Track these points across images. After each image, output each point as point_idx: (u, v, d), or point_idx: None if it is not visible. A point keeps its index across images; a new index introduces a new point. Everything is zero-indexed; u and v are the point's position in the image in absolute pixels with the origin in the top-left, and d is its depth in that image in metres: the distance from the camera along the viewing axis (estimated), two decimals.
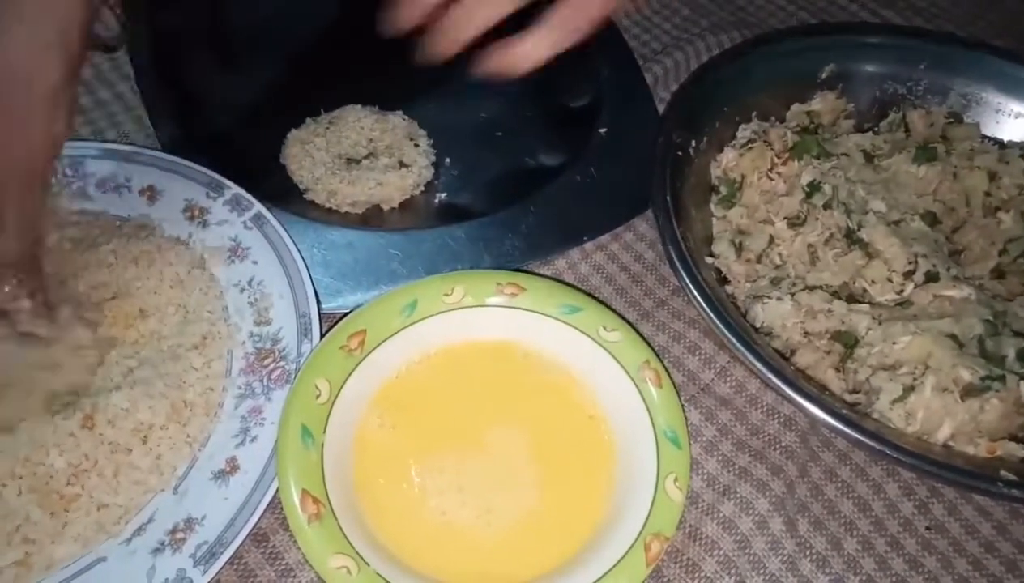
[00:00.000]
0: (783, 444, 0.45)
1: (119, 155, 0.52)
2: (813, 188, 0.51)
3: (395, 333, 0.44)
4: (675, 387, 0.43)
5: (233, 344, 0.45)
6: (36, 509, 0.38)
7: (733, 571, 0.41)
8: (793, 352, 0.46)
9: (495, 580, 0.38)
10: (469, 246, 0.51)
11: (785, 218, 0.51)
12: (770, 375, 0.41)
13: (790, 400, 0.41)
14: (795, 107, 0.58)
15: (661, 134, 0.52)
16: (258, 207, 0.50)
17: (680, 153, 0.52)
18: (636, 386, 0.42)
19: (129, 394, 0.41)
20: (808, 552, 0.42)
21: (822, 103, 0.58)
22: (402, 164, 0.54)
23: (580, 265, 0.53)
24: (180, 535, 0.38)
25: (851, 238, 0.49)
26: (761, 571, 0.41)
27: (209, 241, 0.49)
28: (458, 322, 0.45)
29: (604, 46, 0.64)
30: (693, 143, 0.53)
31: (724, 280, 0.50)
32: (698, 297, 0.44)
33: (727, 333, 0.43)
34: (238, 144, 0.56)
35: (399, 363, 0.44)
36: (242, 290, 0.47)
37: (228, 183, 0.51)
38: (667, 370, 0.43)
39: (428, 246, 0.51)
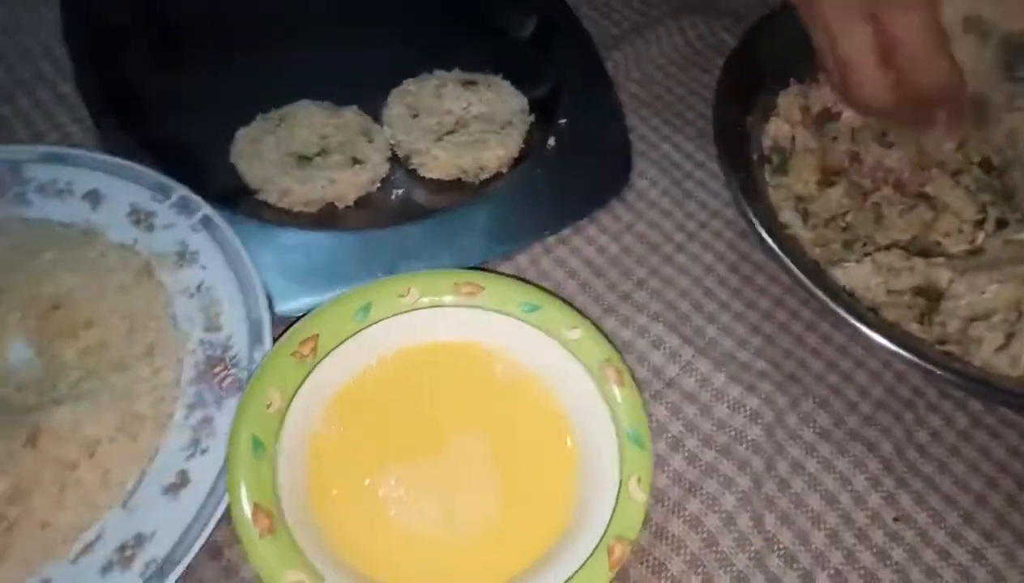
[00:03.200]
0: (749, 438, 0.45)
1: (60, 158, 0.50)
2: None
3: (349, 337, 0.42)
4: (637, 385, 0.42)
5: (183, 352, 0.44)
6: None
7: (700, 570, 0.40)
8: (877, 311, 0.47)
9: None
10: (427, 244, 0.50)
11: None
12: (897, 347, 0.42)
13: (912, 364, 0.42)
14: None
15: (717, 115, 0.52)
16: (206, 209, 0.48)
17: (740, 128, 0.52)
18: (598, 385, 0.41)
19: (74, 409, 0.39)
20: (776, 547, 0.42)
21: None
22: (356, 160, 0.53)
23: (542, 260, 0.52)
24: (129, 553, 0.37)
25: (917, 194, 0.50)
26: (728, 569, 0.41)
27: (156, 246, 0.47)
28: (415, 323, 0.44)
29: (561, 33, 0.63)
30: (748, 119, 0.53)
31: (795, 242, 0.50)
32: (800, 275, 0.44)
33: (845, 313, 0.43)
34: (185, 144, 0.54)
35: (354, 368, 0.42)
36: (191, 296, 0.45)
37: (175, 185, 0.49)
38: (629, 368, 0.43)
39: (385, 245, 0.50)
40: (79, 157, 0.50)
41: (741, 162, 0.49)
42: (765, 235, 0.45)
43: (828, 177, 0.53)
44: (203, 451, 0.40)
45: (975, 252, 0.48)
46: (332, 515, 0.38)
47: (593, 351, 0.42)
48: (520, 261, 0.52)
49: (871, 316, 0.44)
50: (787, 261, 0.44)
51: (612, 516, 0.37)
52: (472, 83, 0.58)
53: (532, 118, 0.57)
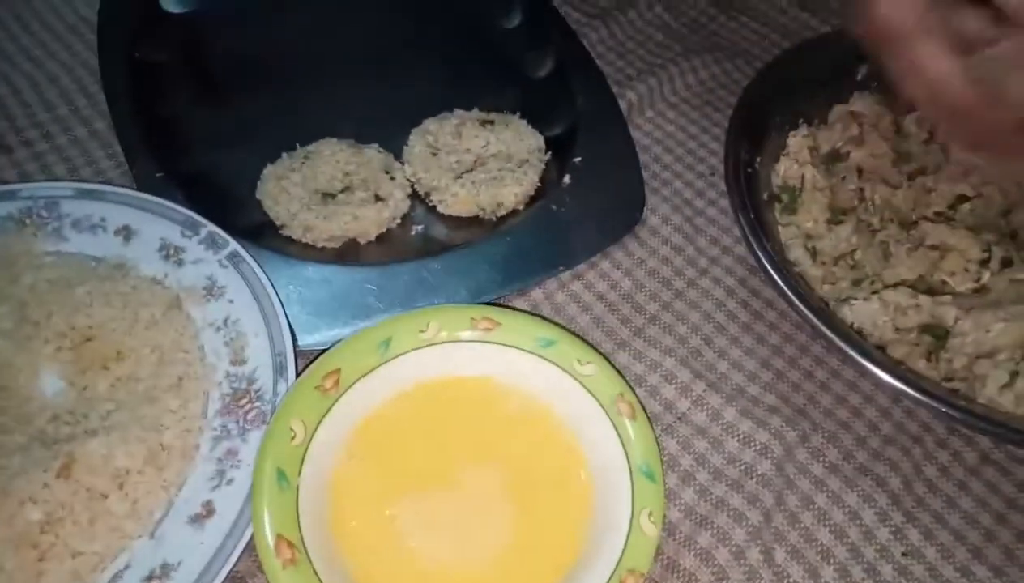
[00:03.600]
0: (759, 472, 0.46)
1: (94, 195, 0.52)
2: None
3: (370, 371, 0.44)
4: (649, 420, 0.43)
5: (209, 385, 0.45)
6: (10, 559, 0.38)
7: None
8: (885, 348, 0.48)
9: None
10: (446, 279, 0.52)
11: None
12: (899, 383, 0.42)
13: (918, 402, 0.42)
14: (837, 108, 0.59)
15: (728, 155, 0.52)
16: (233, 245, 0.50)
17: (749, 170, 0.53)
18: (611, 419, 0.43)
19: (106, 440, 0.41)
20: (785, 581, 0.42)
21: (861, 102, 0.59)
22: (378, 197, 0.55)
23: (557, 295, 0.53)
24: (156, 581, 0.38)
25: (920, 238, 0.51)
26: None
27: (185, 280, 0.49)
28: (433, 358, 0.45)
29: (577, 73, 0.64)
30: (758, 160, 0.54)
31: (803, 281, 0.51)
32: (807, 312, 0.45)
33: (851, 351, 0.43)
34: (214, 180, 0.56)
35: (375, 401, 0.44)
36: (218, 329, 0.47)
37: (203, 221, 0.51)
38: (641, 402, 0.44)
39: (404, 280, 0.51)
40: (112, 194, 0.52)
41: (751, 202, 0.50)
42: (774, 273, 0.46)
43: (837, 215, 0.54)
44: (228, 482, 0.41)
45: (980, 291, 0.49)
46: (352, 546, 0.39)
47: (606, 385, 0.44)
48: (535, 296, 0.53)
49: (878, 354, 0.45)
50: (795, 299, 0.45)
51: (624, 549, 0.38)
52: (490, 122, 0.59)
53: (548, 156, 0.59)
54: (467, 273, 0.52)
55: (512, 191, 0.55)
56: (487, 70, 0.66)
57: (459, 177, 0.56)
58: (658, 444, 0.43)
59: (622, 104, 0.64)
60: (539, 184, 0.57)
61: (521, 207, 0.57)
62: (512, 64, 0.67)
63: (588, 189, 0.57)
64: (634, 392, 0.44)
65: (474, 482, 0.43)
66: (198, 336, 0.47)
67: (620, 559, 0.38)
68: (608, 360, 0.45)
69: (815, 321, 0.44)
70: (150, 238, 0.50)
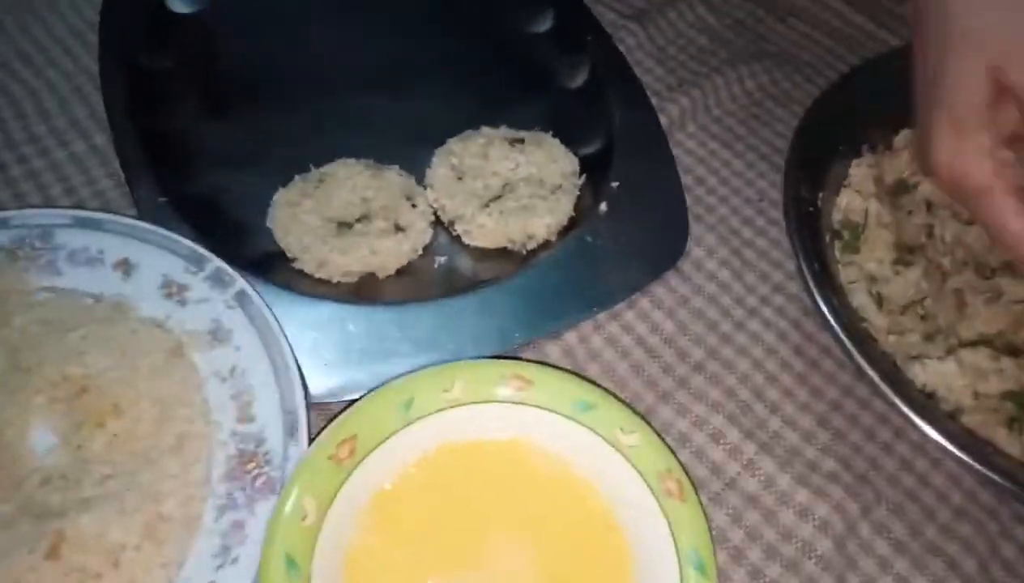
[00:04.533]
0: (818, 552, 0.41)
1: (92, 224, 0.48)
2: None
3: (389, 436, 0.40)
4: (700, 501, 0.39)
5: (213, 444, 0.41)
6: None
7: None
8: (960, 413, 0.43)
9: None
10: (470, 319, 0.47)
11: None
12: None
13: (994, 485, 0.39)
14: (904, 132, 0.54)
15: (788, 192, 0.48)
16: (241, 284, 0.46)
17: (811, 208, 0.49)
18: (657, 499, 0.38)
19: (100, 513, 0.37)
20: None
21: None
22: (398, 227, 0.50)
23: (592, 338, 0.49)
24: None
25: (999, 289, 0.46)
26: None
27: (188, 323, 0.45)
28: (459, 420, 0.41)
29: (616, 83, 0.59)
30: (820, 195, 0.50)
31: (867, 334, 0.46)
32: (875, 377, 0.41)
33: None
34: (222, 204, 0.52)
35: (394, 469, 0.40)
36: (223, 380, 0.43)
37: (209, 255, 0.47)
38: (691, 479, 0.39)
39: (427, 320, 0.47)
40: (111, 223, 0.48)
41: (815, 247, 0.45)
42: (843, 336, 0.41)
43: (903, 255, 0.49)
44: (233, 561, 0.37)
45: None
46: None
47: (651, 459, 0.39)
48: (568, 339, 0.49)
49: (950, 424, 0.40)
50: (865, 365, 0.40)
51: None
52: (520, 141, 0.55)
53: (583, 180, 0.54)
54: (495, 314, 0.48)
55: (544, 222, 0.51)
56: (516, 81, 0.61)
57: (486, 205, 0.51)
58: (709, 524, 0.38)
59: (662, 119, 0.59)
60: (572, 213, 0.53)
61: (553, 239, 0.52)
62: (543, 73, 0.62)
63: (626, 218, 0.52)
64: (683, 467, 0.39)
65: (502, 560, 0.39)
66: (202, 388, 0.43)
67: None
68: (653, 429, 0.41)
69: (884, 388, 0.40)
70: (151, 274, 0.46)
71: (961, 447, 0.39)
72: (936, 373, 0.43)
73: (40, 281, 0.46)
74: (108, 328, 0.44)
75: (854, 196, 0.51)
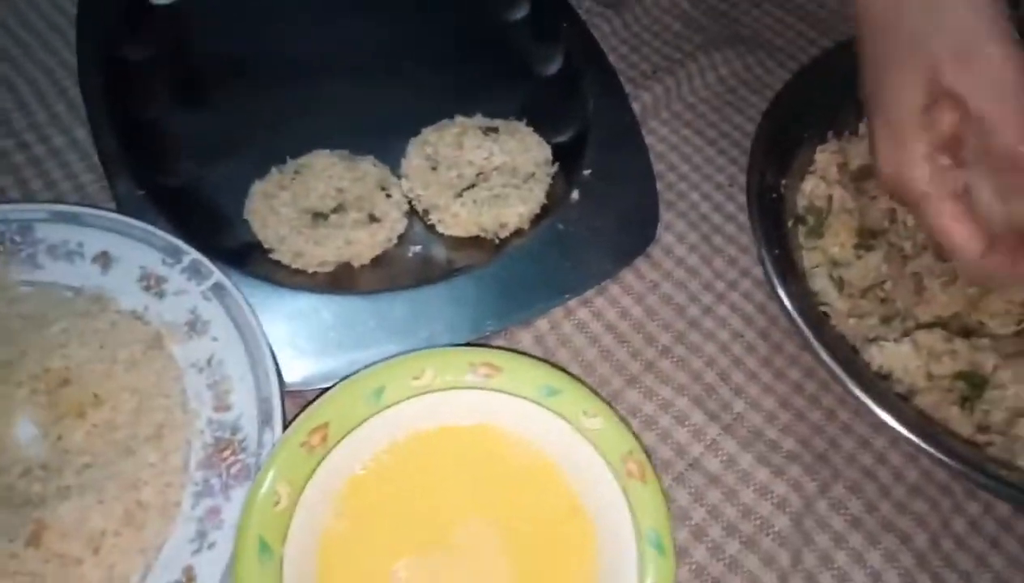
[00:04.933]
0: (776, 529, 0.43)
1: (70, 218, 0.48)
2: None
3: (360, 423, 0.41)
4: (659, 482, 0.40)
5: (191, 433, 0.42)
6: None
7: None
8: (914, 394, 0.44)
9: None
10: (445, 307, 0.49)
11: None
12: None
13: (945, 466, 0.40)
14: None
15: (752, 178, 0.49)
16: (217, 276, 0.47)
17: (775, 194, 0.49)
18: (618, 480, 0.40)
19: (81, 501, 0.38)
20: None
21: None
22: (372, 218, 0.51)
23: (563, 324, 0.50)
24: None
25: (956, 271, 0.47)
26: None
27: (166, 314, 0.46)
28: (429, 407, 0.42)
29: (590, 70, 0.60)
30: (784, 182, 0.50)
31: (826, 316, 0.47)
32: (832, 364, 0.42)
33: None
34: (199, 196, 0.53)
35: (366, 455, 0.41)
36: (200, 371, 0.44)
37: (186, 248, 0.48)
38: (651, 459, 0.41)
39: (401, 309, 0.48)
40: (90, 216, 0.49)
41: (777, 234, 0.46)
42: (799, 321, 0.43)
43: (866, 240, 0.50)
44: (210, 546, 0.39)
45: (1022, 334, 0.45)
46: None
47: (614, 442, 0.41)
48: (540, 325, 0.50)
49: (903, 407, 0.42)
50: (821, 352, 0.41)
51: None
52: (494, 130, 0.55)
53: (555, 169, 0.55)
54: (468, 302, 0.49)
55: (516, 211, 0.52)
56: (491, 68, 0.62)
57: (460, 195, 0.52)
58: (668, 507, 0.40)
59: (636, 106, 0.60)
60: (545, 201, 0.54)
61: (526, 226, 0.53)
62: (518, 61, 0.62)
63: (598, 205, 0.53)
64: (644, 449, 0.41)
65: (471, 542, 0.40)
66: (180, 378, 0.44)
67: None
68: (617, 413, 0.42)
69: (838, 372, 0.41)
70: (130, 266, 0.47)
71: (912, 429, 0.40)
72: (892, 355, 0.44)
73: (20, 275, 0.47)
74: (88, 321, 0.45)
75: (818, 182, 0.52)
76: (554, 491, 0.41)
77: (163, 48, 0.60)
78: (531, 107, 0.58)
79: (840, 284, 0.48)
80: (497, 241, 0.52)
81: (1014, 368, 0.43)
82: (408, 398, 0.42)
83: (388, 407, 0.41)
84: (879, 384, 0.43)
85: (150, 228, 0.48)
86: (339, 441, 0.40)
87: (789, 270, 0.45)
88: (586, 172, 0.54)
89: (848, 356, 0.43)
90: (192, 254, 0.47)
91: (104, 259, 0.47)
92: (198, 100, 0.59)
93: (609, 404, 0.42)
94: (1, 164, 0.54)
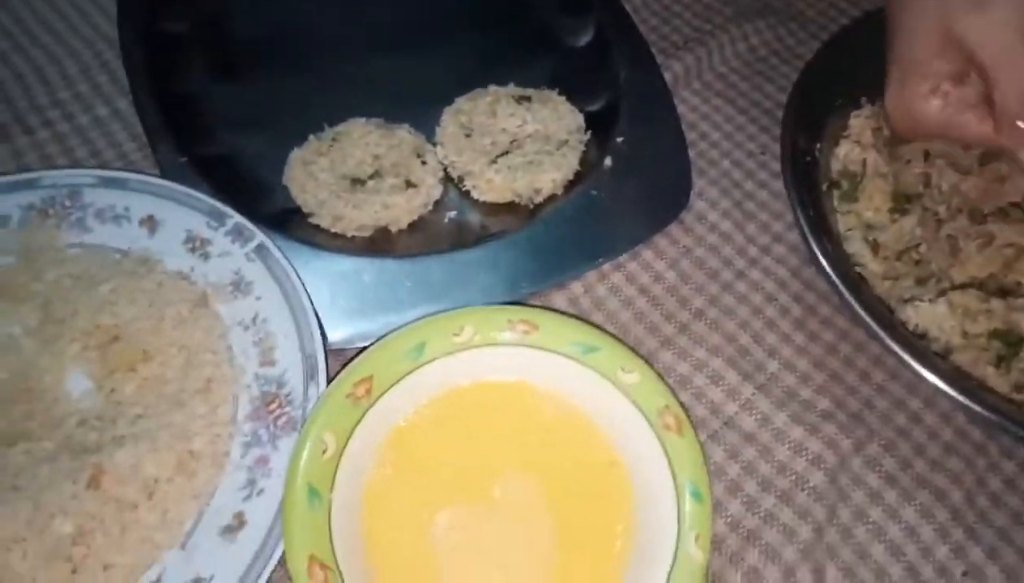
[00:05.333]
0: (811, 485, 0.44)
1: (117, 183, 0.50)
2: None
3: (403, 377, 0.42)
4: (696, 434, 0.41)
5: (238, 388, 0.44)
6: (42, 573, 0.37)
7: None
8: (950, 352, 0.45)
9: None
10: (480, 271, 0.49)
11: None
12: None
13: (984, 420, 0.41)
14: None
15: (785, 144, 0.49)
16: (260, 237, 0.48)
17: (808, 158, 0.50)
18: (656, 433, 0.40)
19: (135, 449, 0.40)
20: None
21: None
22: (409, 183, 0.52)
23: (597, 287, 0.51)
24: None
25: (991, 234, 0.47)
26: None
27: (211, 275, 0.47)
28: (468, 363, 0.43)
29: (621, 41, 0.61)
30: (818, 146, 0.51)
31: (861, 278, 0.48)
32: (867, 318, 0.42)
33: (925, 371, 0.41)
34: (239, 164, 0.54)
35: (407, 409, 0.42)
36: (246, 328, 0.45)
37: (229, 211, 0.49)
38: (688, 415, 0.41)
39: (438, 272, 0.49)
40: (136, 182, 0.50)
41: (810, 196, 0.46)
42: (835, 277, 0.43)
43: (901, 204, 0.50)
44: (259, 492, 0.40)
45: None
46: (386, 564, 0.38)
47: (651, 396, 0.41)
48: (574, 289, 0.51)
49: (942, 364, 0.42)
50: (856, 306, 0.42)
51: (669, 575, 0.37)
52: (527, 99, 0.56)
53: (588, 136, 0.55)
54: (503, 265, 0.50)
55: (550, 177, 0.52)
56: (522, 40, 0.62)
57: (494, 161, 0.53)
58: (705, 459, 0.40)
59: (667, 76, 0.60)
60: (578, 167, 0.54)
61: (560, 192, 0.54)
62: (549, 32, 0.63)
63: (631, 172, 0.54)
64: (681, 404, 0.41)
65: (512, 494, 0.41)
66: (226, 335, 0.45)
67: None
68: (653, 368, 0.42)
69: (876, 329, 0.41)
70: (175, 229, 0.48)
71: (950, 383, 0.40)
72: (927, 314, 0.45)
73: (70, 238, 0.48)
74: (136, 281, 0.46)
75: (853, 146, 0.52)
76: (592, 445, 0.42)
77: (202, 21, 0.61)
78: (563, 77, 0.59)
79: (875, 247, 0.49)
80: (531, 207, 0.53)
81: None
82: (448, 354, 0.43)
83: (429, 362, 0.42)
84: (917, 342, 0.43)
85: (194, 193, 0.49)
86: (382, 394, 0.41)
87: (825, 232, 0.46)
88: (619, 139, 0.55)
89: (885, 315, 0.43)
90: (235, 217, 0.49)
91: (150, 222, 0.49)
92: (236, 72, 0.60)
93: (645, 360, 0.43)
94: (48, 133, 0.55)
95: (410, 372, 0.42)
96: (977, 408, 0.40)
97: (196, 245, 0.48)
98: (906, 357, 0.41)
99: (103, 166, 0.54)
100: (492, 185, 0.52)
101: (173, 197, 0.49)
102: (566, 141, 0.54)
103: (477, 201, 0.53)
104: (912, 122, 0.44)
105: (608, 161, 0.54)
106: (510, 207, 0.53)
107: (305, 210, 0.52)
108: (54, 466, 0.39)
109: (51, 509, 0.38)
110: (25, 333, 0.44)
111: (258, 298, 0.46)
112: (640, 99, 0.57)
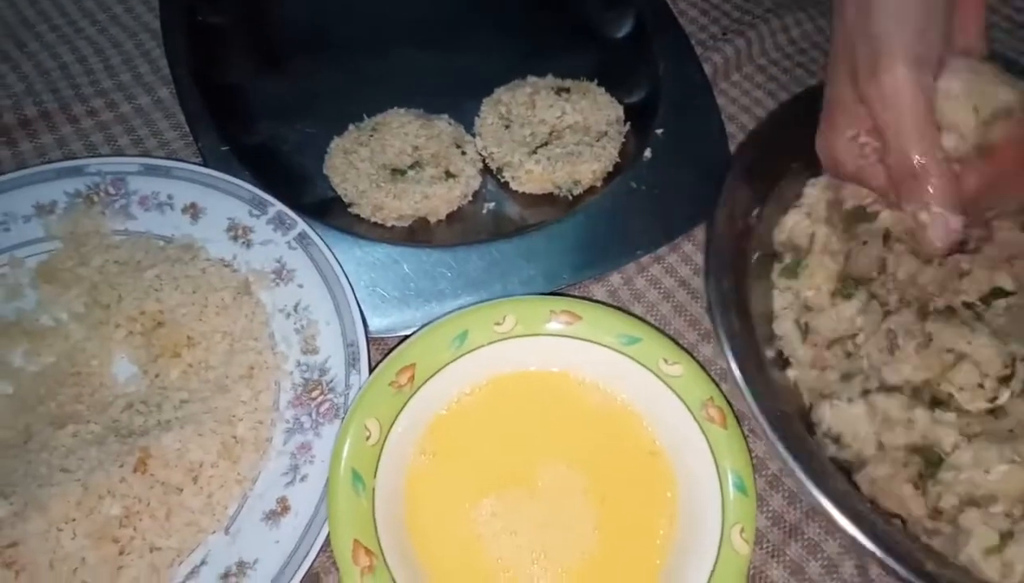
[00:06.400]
0: None
1: (160, 171, 0.50)
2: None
3: (445, 366, 0.42)
4: (740, 426, 0.40)
5: (280, 374, 0.44)
6: (91, 553, 0.38)
7: None
8: (864, 463, 0.41)
9: None
10: (519, 262, 0.49)
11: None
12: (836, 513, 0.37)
13: (865, 550, 0.36)
14: None
15: (720, 203, 0.47)
16: (302, 226, 0.48)
17: (741, 223, 0.47)
18: (699, 425, 0.40)
19: (180, 433, 0.40)
20: None
21: None
22: (448, 174, 0.52)
23: (636, 279, 0.51)
24: (233, 579, 0.38)
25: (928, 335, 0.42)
26: None
27: (254, 263, 0.47)
28: (510, 353, 0.43)
29: (660, 33, 0.60)
30: (756, 210, 0.48)
31: (786, 363, 0.45)
32: (761, 418, 0.39)
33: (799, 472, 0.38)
34: (280, 153, 0.55)
35: (449, 397, 0.42)
36: (288, 316, 0.46)
37: (271, 200, 0.49)
38: (731, 406, 0.41)
39: (477, 263, 0.49)
40: (179, 170, 0.50)
41: (735, 261, 0.45)
42: (732, 362, 0.41)
43: (846, 288, 0.45)
44: (302, 478, 0.40)
45: (995, 413, 0.40)
46: (429, 550, 0.38)
47: (694, 388, 0.41)
48: (613, 280, 0.50)
49: (835, 485, 0.38)
50: (751, 400, 0.39)
51: (714, 568, 0.36)
52: (566, 90, 0.56)
53: (627, 128, 0.55)
54: (542, 256, 0.50)
55: (590, 168, 0.52)
56: (561, 31, 0.62)
57: (533, 152, 0.53)
58: (749, 450, 0.40)
59: (707, 68, 0.60)
60: (618, 159, 0.54)
61: (599, 184, 0.53)
62: (588, 24, 0.63)
63: (671, 164, 0.54)
64: (724, 396, 0.41)
65: (553, 483, 0.41)
66: (268, 322, 0.46)
67: (711, 578, 0.36)
68: (696, 360, 0.42)
69: (768, 432, 0.39)
70: (218, 217, 0.49)
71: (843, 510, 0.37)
72: (843, 416, 0.41)
73: (115, 224, 0.49)
74: (179, 267, 0.46)
75: (802, 218, 0.48)
76: (634, 435, 0.42)
77: (243, 12, 0.62)
78: (602, 69, 0.59)
79: (805, 330, 0.45)
80: (570, 198, 0.53)
81: (975, 449, 0.38)
82: (490, 343, 0.43)
83: (471, 351, 0.42)
84: (814, 454, 0.39)
85: (236, 181, 0.50)
86: (425, 382, 0.41)
87: (737, 306, 0.43)
88: (658, 131, 0.54)
89: (774, 414, 0.40)
90: (277, 206, 0.49)
91: (193, 210, 0.49)
92: (278, 62, 0.60)
93: (689, 353, 0.43)
94: (91, 122, 0.56)
95: (452, 361, 0.42)
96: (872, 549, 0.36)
97: (238, 233, 0.48)
98: (803, 479, 0.38)
99: (146, 154, 0.55)
100: (531, 176, 0.52)
101: (215, 185, 0.50)
102: (605, 132, 0.54)
103: (516, 192, 0.53)
104: (833, 163, 0.44)
105: (648, 153, 0.54)
106: (549, 198, 0.53)
107: (345, 199, 0.52)
108: (102, 449, 0.39)
109: (100, 491, 0.38)
110: (72, 318, 0.45)
111: (300, 286, 0.46)
112: (680, 91, 0.57)
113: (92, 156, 0.54)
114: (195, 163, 0.52)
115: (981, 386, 0.41)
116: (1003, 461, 0.38)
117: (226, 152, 0.52)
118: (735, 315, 0.43)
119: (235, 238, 0.48)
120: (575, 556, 0.39)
